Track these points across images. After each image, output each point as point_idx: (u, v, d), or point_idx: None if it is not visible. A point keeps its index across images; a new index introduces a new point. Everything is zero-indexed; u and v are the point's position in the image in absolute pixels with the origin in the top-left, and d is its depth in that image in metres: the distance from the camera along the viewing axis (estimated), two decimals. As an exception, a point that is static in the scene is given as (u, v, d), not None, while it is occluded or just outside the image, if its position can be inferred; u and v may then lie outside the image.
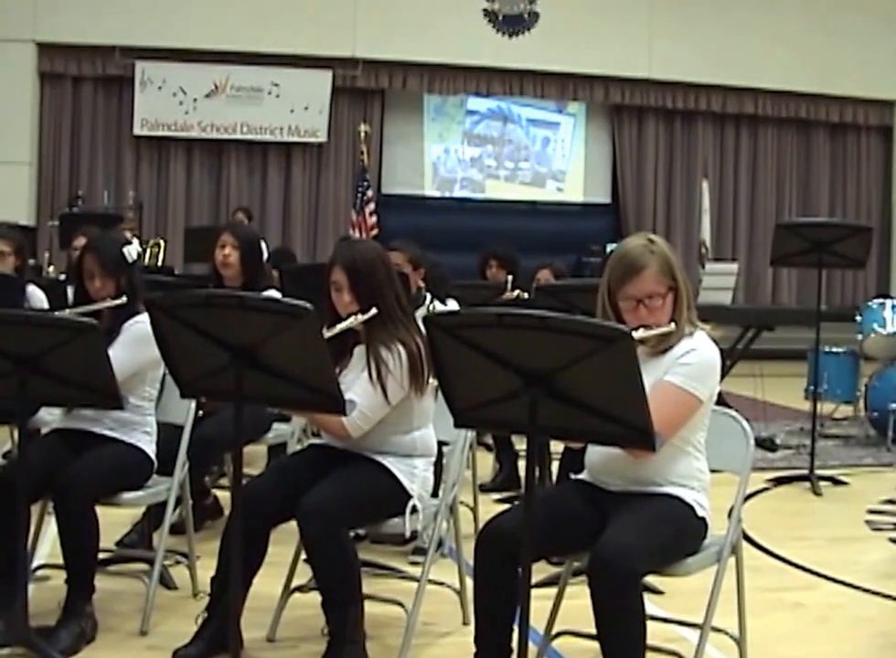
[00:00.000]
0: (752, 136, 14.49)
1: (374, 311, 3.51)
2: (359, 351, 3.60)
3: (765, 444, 7.29)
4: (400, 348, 3.51)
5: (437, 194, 14.07)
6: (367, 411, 3.50)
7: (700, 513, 3.15)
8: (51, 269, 7.28)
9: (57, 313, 3.91)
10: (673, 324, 3.10)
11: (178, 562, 4.22)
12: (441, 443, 3.85)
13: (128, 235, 4.79)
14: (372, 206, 12.43)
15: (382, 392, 3.50)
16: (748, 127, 14.46)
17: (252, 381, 2.89)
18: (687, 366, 3.08)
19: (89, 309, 3.79)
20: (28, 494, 3.42)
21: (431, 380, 3.54)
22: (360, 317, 3.51)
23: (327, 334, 3.37)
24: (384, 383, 3.50)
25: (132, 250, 3.93)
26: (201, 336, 2.91)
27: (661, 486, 3.13)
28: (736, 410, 3.53)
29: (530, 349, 2.47)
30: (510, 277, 6.96)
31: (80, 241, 5.88)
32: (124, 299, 3.83)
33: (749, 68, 13.74)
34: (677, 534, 3.08)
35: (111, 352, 3.40)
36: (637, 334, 2.91)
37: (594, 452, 3.23)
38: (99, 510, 3.64)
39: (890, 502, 6.09)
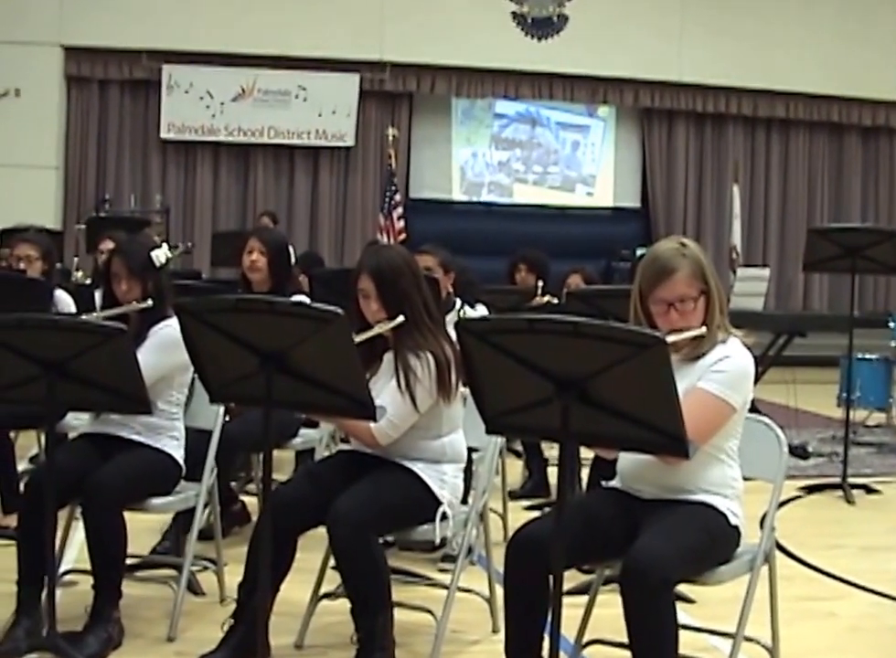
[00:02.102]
0: (783, 140, 14.37)
1: (401, 318, 3.49)
2: (389, 357, 3.58)
3: (797, 452, 7.22)
4: (429, 356, 3.49)
5: (465, 198, 14.03)
6: (395, 420, 3.47)
7: (734, 521, 3.12)
8: (79, 273, 7.29)
9: (84, 316, 3.91)
10: (704, 328, 3.08)
11: (206, 568, 4.21)
12: (470, 450, 3.82)
13: (157, 239, 4.77)
14: (400, 210, 12.40)
15: (411, 400, 3.47)
16: (779, 131, 14.34)
17: (282, 386, 2.88)
18: (720, 373, 3.06)
19: (115, 312, 3.79)
20: (56, 499, 3.43)
21: (460, 387, 3.51)
22: (387, 324, 3.49)
23: (356, 339, 3.34)
24: (412, 391, 3.47)
25: (160, 255, 3.92)
26: (231, 341, 2.90)
27: (694, 494, 3.10)
28: (768, 417, 3.49)
29: (563, 355, 2.46)
30: (540, 282, 6.92)
31: (107, 245, 5.93)
32: (150, 302, 3.82)
33: (780, 70, 13.63)
34: (711, 542, 3.05)
35: (139, 356, 3.39)
36: (669, 338, 2.87)
37: (626, 460, 3.20)
38: (126, 515, 3.64)
39: (925, 510, 6.04)
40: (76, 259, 8.49)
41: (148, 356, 3.66)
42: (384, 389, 3.49)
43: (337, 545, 3.31)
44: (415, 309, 3.53)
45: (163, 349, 3.76)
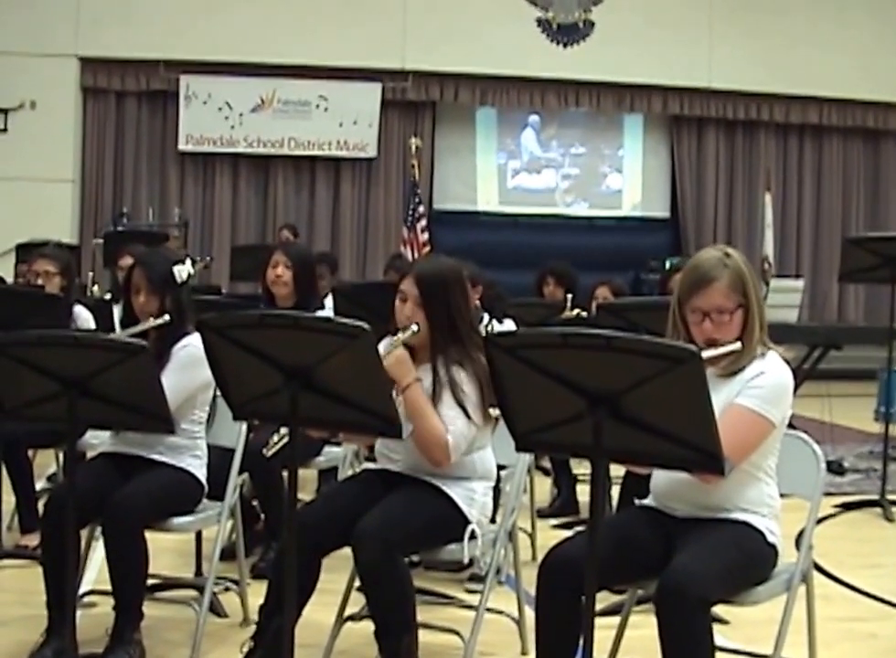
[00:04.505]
0: (816, 147, 14.22)
1: (414, 327, 3.42)
2: (426, 369, 3.50)
3: (833, 468, 7.10)
4: (473, 369, 3.43)
5: (490, 209, 13.96)
6: (459, 437, 3.40)
7: (771, 539, 3.07)
8: (96, 288, 7.26)
9: (104, 335, 3.88)
10: (739, 343, 3.02)
11: (228, 589, 4.17)
12: (499, 467, 3.76)
13: (181, 252, 4.73)
14: (424, 222, 12.29)
15: (465, 414, 3.41)
16: (812, 137, 14.18)
17: (307, 403, 2.83)
18: (759, 389, 3.00)
19: (134, 331, 3.74)
20: (77, 519, 3.37)
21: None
22: (411, 329, 3.41)
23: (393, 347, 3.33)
24: (464, 405, 3.41)
25: (182, 271, 3.87)
26: (255, 358, 2.85)
27: (731, 512, 3.05)
28: (803, 432, 3.41)
29: (595, 370, 2.41)
30: (569, 295, 6.84)
31: (126, 261, 5.89)
32: (167, 318, 3.76)
33: (812, 75, 13.47)
34: (748, 561, 3.00)
35: (163, 379, 3.35)
36: (705, 354, 2.80)
37: (660, 477, 3.16)
38: (147, 535, 3.59)
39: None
40: (91, 274, 8.46)
41: (173, 378, 3.63)
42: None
43: (363, 564, 3.25)
44: (461, 321, 3.48)
45: (186, 369, 3.73)
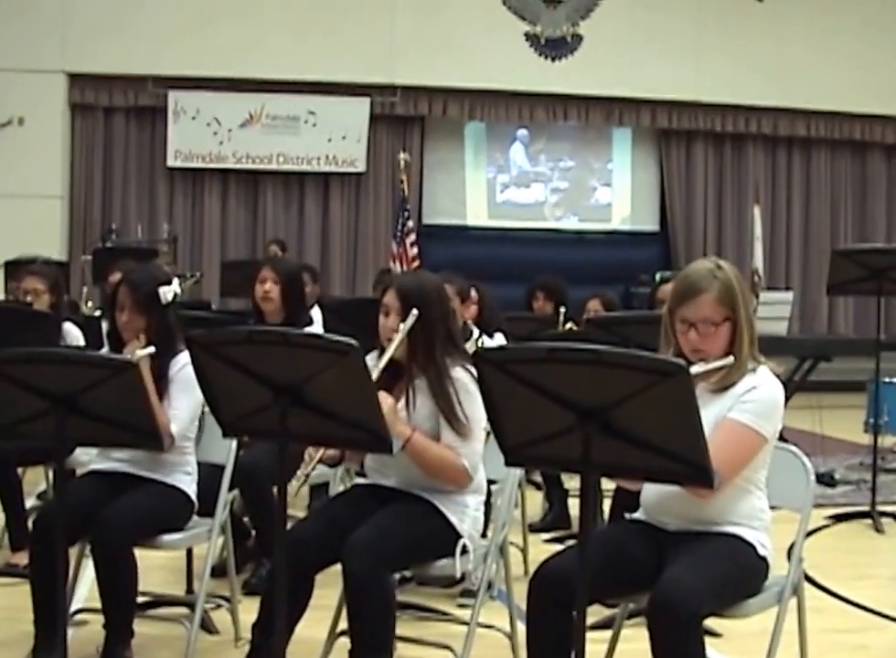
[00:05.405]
0: (804, 159, 14.24)
1: (413, 316, 3.40)
2: (420, 385, 3.49)
3: (824, 479, 7.10)
4: (457, 379, 3.43)
5: (479, 223, 13.95)
6: (472, 455, 3.41)
7: (762, 552, 3.07)
8: (89, 304, 7.25)
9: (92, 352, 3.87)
10: (731, 358, 3.02)
11: (219, 606, 4.15)
12: (489, 482, 3.75)
13: (167, 269, 4.72)
14: (413, 236, 12.27)
15: (467, 424, 3.42)
16: (801, 150, 14.21)
17: (297, 420, 2.83)
18: (751, 403, 3.01)
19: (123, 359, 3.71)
20: (66, 537, 3.35)
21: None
22: (398, 337, 3.40)
23: (381, 364, 3.32)
24: (459, 417, 3.41)
25: (168, 292, 3.86)
26: (244, 374, 2.85)
27: (722, 526, 3.06)
28: (794, 444, 3.41)
29: (584, 384, 2.42)
30: (563, 309, 6.84)
31: (116, 277, 5.87)
32: (152, 349, 3.72)
33: (800, 88, 13.50)
34: (740, 574, 3.01)
35: (174, 403, 3.46)
36: (694, 369, 2.80)
37: (650, 491, 3.16)
38: (137, 552, 3.58)
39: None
40: (85, 290, 8.45)
41: (183, 401, 3.69)
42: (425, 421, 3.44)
43: (351, 575, 3.22)
44: (440, 334, 3.47)
45: (191, 388, 3.65)
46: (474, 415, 3.40)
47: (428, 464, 3.41)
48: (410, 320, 3.41)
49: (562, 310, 6.84)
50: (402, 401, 3.48)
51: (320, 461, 3.45)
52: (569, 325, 6.59)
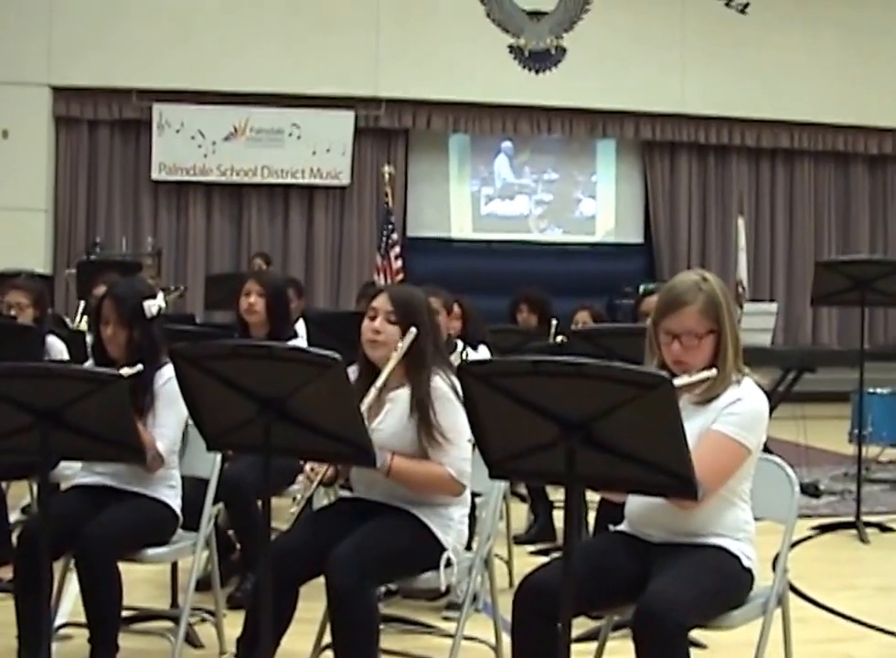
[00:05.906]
0: (788, 171, 14.28)
1: (412, 333, 3.42)
2: (401, 395, 3.50)
3: (809, 490, 7.12)
4: (440, 391, 3.44)
5: (464, 236, 13.93)
6: (458, 462, 3.42)
7: (747, 564, 3.08)
8: (84, 320, 7.23)
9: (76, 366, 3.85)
10: (714, 370, 3.01)
11: (204, 620, 4.13)
12: (474, 495, 3.75)
13: (152, 282, 4.70)
14: (397, 249, 12.22)
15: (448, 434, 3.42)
16: (784, 161, 14.25)
17: (281, 433, 2.83)
18: (736, 416, 3.01)
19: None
20: (51, 551, 3.34)
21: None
22: (400, 351, 3.41)
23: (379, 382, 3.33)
24: (442, 427, 3.42)
25: (152, 306, 3.85)
26: (228, 387, 2.85)
27: (706, 537, 3.06)
28: (778, 455, 3.42)
29: (567, 397, 2.42)
30: (554, 322, 6.84)
31: (101, 290, 5.86)
32: (140, 367, 3.68)
33: (784, 100, 13.55)
34: (725, 586, 3.01)
35: (160, 419, 3.44)
36: (677, 381, 2.81)
37: (634, 503, 3.16)
38: (122, 566, 3.57)
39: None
40: (82, 303, 8.42)
41: (171, 416, 3.70)
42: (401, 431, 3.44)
43: (335, 587, 3.21)
44: (429, 351, 3.47)
45: (174, 404, 3.66)
46: (455, 422, 3.40)
47: (415, 483, 3.42)
48: (409, 338, 3.41)
49: (553, 322, 6.84)
50: (381, 416, 3.48)
51: (320, 483, 3.45)
52: (560, 339, 6.55)
